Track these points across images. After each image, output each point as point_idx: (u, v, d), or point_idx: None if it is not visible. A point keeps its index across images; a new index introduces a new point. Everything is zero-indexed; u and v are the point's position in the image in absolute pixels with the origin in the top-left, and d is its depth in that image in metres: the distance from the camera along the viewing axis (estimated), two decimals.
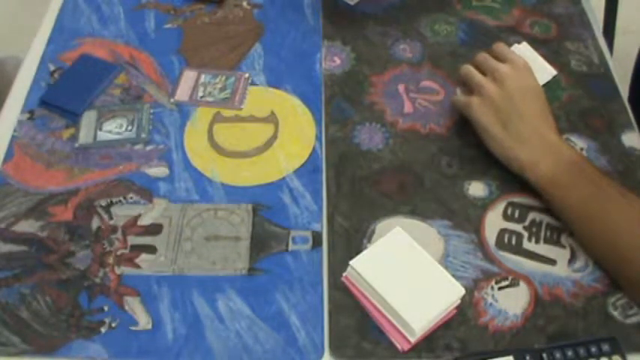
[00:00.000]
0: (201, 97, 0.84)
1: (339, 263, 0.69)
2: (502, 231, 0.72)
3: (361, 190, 0.75)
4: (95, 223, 0.72)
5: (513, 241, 0.72)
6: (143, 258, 0.70)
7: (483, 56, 0.79)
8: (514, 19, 0.95)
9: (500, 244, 0.71)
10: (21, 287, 0.67)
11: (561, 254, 0.71)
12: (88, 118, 0.82)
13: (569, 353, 0.61)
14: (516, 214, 0.74)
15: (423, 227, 0.72)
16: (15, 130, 0.81)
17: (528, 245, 0.71)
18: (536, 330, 0.65)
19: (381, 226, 0.72)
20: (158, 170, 0.77)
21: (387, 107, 0.84)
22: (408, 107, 0.84)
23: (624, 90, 0.88)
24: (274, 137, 0.80)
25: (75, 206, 0.74)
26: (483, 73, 0.77)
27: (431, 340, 0.64)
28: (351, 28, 0.93)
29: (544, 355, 0.61)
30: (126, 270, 0.69)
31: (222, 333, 0.65)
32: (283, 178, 0.76)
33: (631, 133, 0.81)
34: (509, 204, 0.74)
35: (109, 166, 0.77)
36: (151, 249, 0.70)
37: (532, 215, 0.73)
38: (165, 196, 0.75)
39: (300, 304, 0.67)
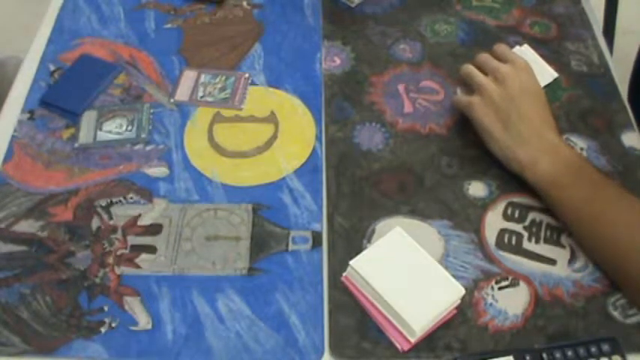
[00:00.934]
0: (201, 97, 0.84)
1: (339, 263, 0.69)
2: (502, 231, 0.72)
3: (361, 190, 0.75)
4: (95, 223, 0.72)
5: (513, 241, 0.72)
6: (143, 258, 0.70)
7: (485, 56, 0.79)
8: (514, 19, 0.95)
9: (500, 244, 0.71)
10: (21, 287, 0.67)
11: (561, 254, 0.71)
12: (88, 118, 0.82)
13: (569, 353, 0.61)
14: (516, 214, 0.74)
15: (423, 227, 0.72)
16: (15, 130, 0.81)
17: (528, 245, 0.71)
18: (536, 330, 0.65)
19: (381, 226, 0.72)
20: (158, 170, 0.77)
21: (387, 107, 0.84)
22: (408, 107, 0.84)
23: (624, 90, 0.88)
24: (274, 137, 0.80)
25: (75, 206, 0.74)
26: (485, 73, 0.77)
27: (431, 340, 0.64)
28: (351, 28, 0.93)
29: (544, 355, 0.61)
30: (126, 270, 0.69)
31: (222, 333, 0.65)
32: (283, 178, 0.76)
33: (631, 133, 0.81)
34: (509, 204, 0.74)
35: (109, 166, 0.77)
36: (151, 249, 0.70)
37: (532, 215, 0.73)
38: (165, 196, 0.75)
39: (300, 304, 0.67)
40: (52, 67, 0.87)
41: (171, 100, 0.84)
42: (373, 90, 0.85)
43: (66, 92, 0.83)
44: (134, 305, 0.66)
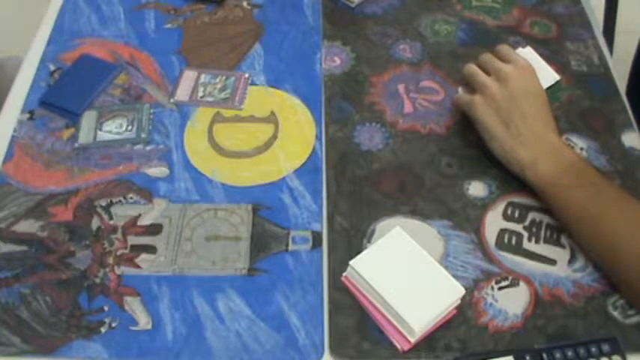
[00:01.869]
0: (201, 97, 0.84)
1: (339, 263, 0.69)
2: (502, 231, 0.72)
3: (361, 190, 0.75)
4: (95, 223, 0.72)
5: (513, 241, 0.72)
6: (143, 258, 0.70)
7: (487, 56, 0.79)
8: (514, 19, 0.95)
9: (500, 244, 0.71)
10: (21, 287, 0.67)
11: (561, 254, 0.71)
12: (88, 118, 0.82)
13: (569, 353, 0.61)
14: (516, 214, 0.74)
15: (423, 227, 0.72)
16: (15, 130, 0.81)
17: (528, 245, 0.71)
18: (536, 330, 0.65)
19: (381, 226, 0.72)
20: (158, 170, 0.77)
21: (387, 107, 0.84)
22: (408, 107, 0.84)
23: (624, 90, 0.88)
24: (274, 137, 0.80)
25: (75, 206, 0.74)
26: (487, 72, 0.77)
27: (431, 340, 0.64)
28: (351, 28, 0.93)
29: (544, 355, 0.61)
30: (126, 270, 0.69)
31: (222, 333, 0.65)
32: (283, 178, 0.76)
33: (631, 133, 0.81)
34: (509, 204, 0.74)
35: (109, 166, 0.77)
36: (151, 249, 0.70)
37: (532, 215, 0.73)
38: (165, 196, 0.75)
39: (300, 304, 0.67)
40: (52, 67, 0.87)
41: (171, 100, 0.84)
42: (373, 90, 0.85)
43: (66, 92, 0.83)
44: (134, 305, 0.66)
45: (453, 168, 0.78)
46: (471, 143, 0.79)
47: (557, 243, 0.71)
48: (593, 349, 0.61)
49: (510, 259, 0.70)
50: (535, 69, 0.77)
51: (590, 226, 0.68)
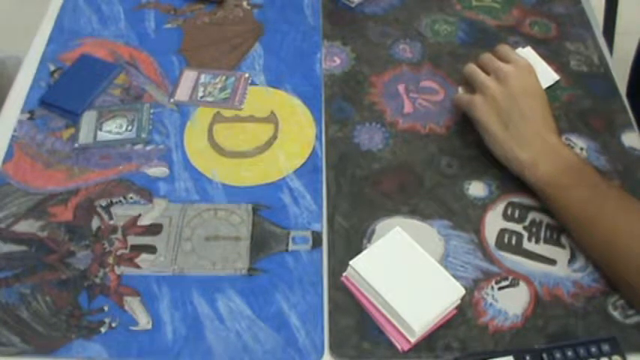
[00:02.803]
0: (201, 97, 0.84)
1: (339, 263, 0.69)
2: (502, 231, 0.72)
3: (361, 190, 0.75)
4: (95, 223, 0.72)
5: (513, 241, 0.72)
6: (143, 258, 0.70)
7: (487, 56, 0.79)
8: (514, 19, 0.95)
9: (500, 244, 0.71)
10: (21, 287, 0.67)
11: (561, 254, 0.71)
12: (88, 118, 0.82)
13: (569, 353, 0.61)
14: (516, 214, 0.74)
15: (423, 227, 0.72)
16: (15, 130, 0.81)
17: (528, 245, 0.71)
18: (536, 330, 0.65)
19: (381, 226, 0.72)
20: (158, 170, 0.77)
21: (387, 107, 0.84)
22: (408, 107, 0.84)
23: (624, 90, 0.88)
24: (274, 137, 0.80)
25: (75, 206, 0.74)
26: (487, 72, 0.77)
27: (431, 340, 0.64)
28: (351, 28, 0.93)
29: (544, 355, 0.61)
30: (126, 270, 0.69)
31: (222, 333, 0.65)
32: (283, 178, 0.76)
33: (631, 133, 0.81)
34: (509, 204, 0.74)
35: (109, 166, 0.77)
36: (151, 249, 0.70)
37: (532, 215, 0.73)
38: (165, 196, 0.75)
39: (300, 304, 0.67)
40: (52, 67, 0.87)
41: (171, 100, 0.84)
42: (373, 90, 0.85)
43: (66, 92, 0.83)
44: (134, 305, 0.66)
45: (453, 168, 0.78)
46: (470, 143, 0.79)
47: (557, 243, 0.71)
48: (593, 349, 0.61)
49: (510, 259, 0.70)
50: (535, 69, 0.77)
51: (589, 226, 0.68)
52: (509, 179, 0.75)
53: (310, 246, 0.71)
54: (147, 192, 0.75)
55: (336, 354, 0.63)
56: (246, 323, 0.65)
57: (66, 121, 0.82)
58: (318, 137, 0.80)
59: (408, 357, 0.63)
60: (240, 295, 0.67)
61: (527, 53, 0.84)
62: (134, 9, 0.95)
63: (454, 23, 0.94)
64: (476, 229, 0.72)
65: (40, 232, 0.71)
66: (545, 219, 0.73)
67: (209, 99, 0.84)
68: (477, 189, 0.76)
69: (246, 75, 0.87)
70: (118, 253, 0.70)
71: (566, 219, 0.70)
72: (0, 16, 2.02)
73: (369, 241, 0.71)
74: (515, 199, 0.75)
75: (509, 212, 0.74)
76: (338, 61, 0.89)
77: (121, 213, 0.73)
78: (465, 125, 0.79)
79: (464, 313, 0.66)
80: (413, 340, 0.63)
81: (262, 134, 0.81)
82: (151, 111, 0.83)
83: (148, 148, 0.79)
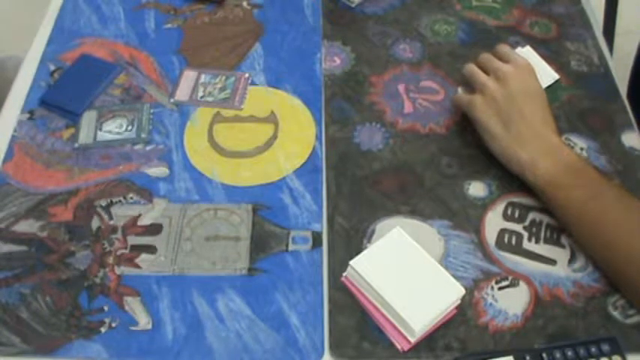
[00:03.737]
0: (201, 97, 0.84)
1: (339, 263, 0.69)
2: (502, 231, 0.72)
3: (361, 190, 0.75)
4: (95, 223, 0.72)
5: (513, 241, 0.72)
6: (143, 258, 0.70)
7: (487, 56, 0.79)
8: (514, 19, 0.95)
9: (500, 244, 0.71)
10: (21, 287, 0.67)
11: (561, 254, 0.71)
12: (88, 118, 0.82)
13: (569, 353, 0.61)
14: (516, 214, 0.74)
15: (423, 227, 0.72)
16: (15, 130, 0.81)
17: (528, 245, 0.71)
18: (536, 330, 0.65)
19: (381, 226, 0.72)
20: (158, 170, 0.77)
21: (387, 107, 0.84)
22: (408, 107, 0.84)
23: (624, 90, 0.88)
24: (274, 137, 0.80)
25: (75, 206, 0.74)
26: (486, 72, 0.77)
27: (431, 340, 0.64)
28: (351, 28, 0.93)
29: (544, 355, 0.61)
30: (126, 270, 0.69)
31: (222, 333, 0.65)
32: (283, 178, 0.76)
33: (631, 133, 0.81)
34: (509, 204, 0.74)
35: (109, 166, 0.77)
36: (151, 249, 0.70)
37: (532, 215, 0.73)
38: (165, 196, 0.75)
39: (300, 304, 0.67)
40: (52, 67, 0.87)
41: (171, 100, 0.84)
42: (373, 90, 0.85)
43: (66, 92, 0.83)
44: (134, 305, 0.66)
45: (453, 168, 0.78)
46: (470, 143, 0.79)
47: (557, 243, 0.71)
48: (593, 349, 0.61)
49: (510, 259, 0.70)
50: (534, 68, 0.77)
51: (589, 226, 0.68)
52: (509, 179, 0.75)
53: (310, 246, 0.71)
54: (147, 192, 0.75)
55: (336, 354, 0.64)
56: (246, 323, 0.65)
57: (66, 121, 0.82)
58: (318, 137, 0.80)
59: (408, 357, 0.63)
60: (240, 295, 0.67)
61: (527, 53, 0.84)
62: (134, 9, 0.95)
63: (454, 23, 0.94)
64: (476, 229, 0.72)
65: (40, 232, 0.71)
66: (545, 219, 0.73)
67: (209, 99, 0.84)
68: (476, 189, 0.76)
69: (246, 75, 0.87)
70: (118, 253, 0.70)
71: (566, 219, 0.70)
72: (0, 16, 2.01)
73: (369, 241, 0.71)
74: (515, 199, 0.75)
75: (509, 212, 0.74)
76: (338, 61, 0.89)
77: (121, 213, 0.73)
78: (465, 125, 0.80)
79: (464, 313, 0.66)
80: (413, 340, 0.63)
81: (262, 134, 0.81)
82: (151, 111, 0.83)
83: (148, 148, 0.79)
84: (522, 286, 0.68)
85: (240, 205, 0.74)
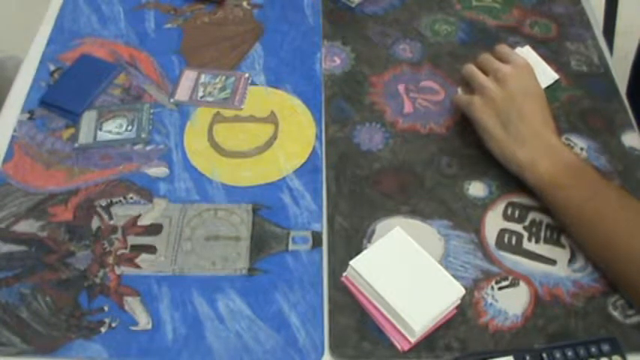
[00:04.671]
0: (201, 97, 0.84)
1: (339, 263, 0.69)
2: (502, 231, 0.72)
3: (361, 190, 0.75)
4: (95, 223, 0.72)
5: (513, 241, 0.72)
6: (143, 258, 0.70)
7: (486, 57, 0.79)
8: (514, 19, 0.95)
9: (500, 244, 0.71)
10: (21, 287, 0.67)
11: (561, 254, 0.71)
12: (88, 118, 0.82)
13: (569, 353, 0.61)
14: (516, 214, 0.74)
15: (423, 227, 0.72)
16: (15, 130, 0.81)
17: (528, 245, 0.71)
18: (536, 330, 0.65)
19: (381, 226, 0.72)
20: (158, 170, 0.77)
21: (387, 107, 0.84)
22: (408, 107, 0.84)
23: (624, 90, 0.88)
24: (274, 137, 0.80)
25: (75, 206, 0.74)
26: (486, 73, 0.77)
27: (431, 340, 0.64)
28: (351, 28, 0.93)
29: (544, 355, 0.61)
30: (126, 270, 0.69)
31: (222, 333, 0.65)
32: (283, 178, 0.76)
33: (631, 133, 0.81)
34: (509, 204, 0.74)
35: (109, 166, 0.77)
36: (151, 249, 0.70)
37: (532, 215, 0.73)
38: (165, 196, 0.75)
39: (300, 304, 0.67)
40: (52, 67, 0.87)
41: (171, 100, 0.84)
42: (373, 90, 0.85)
43: (66, 92, 0.83)
44: (134, 305, 0.66)
45: (453, 168, 0.78)
46: (471, 143, 0.79)
47: (557, 243, 0.71)
48: (593, 349, 0.61)
49: (510, 259, 0.70)
50: (534, 68, 0.77)
51: (589, 227, 0.68)
52: (509, 179, 0.75)
53: (310, 246, 0.71)
54: (147, 192, 0.75)
55: (336, 354, 0.64)
56: (246, 323, 0.65)
57: (66, 121, 0.82)
58: (318, 137, 0.80)
59: (408, 357, 0.63)
60: (240, 295, 0.67)
61: (526, 52, 0.84)
62: (134, 9, 0.95)
63: (454, 23, 0.94)
64: (476, 229, 0.72)
65: (40, 232, 0.71)
66: (545, 219, 0.73)
67: (209, 99, 0.84)
68: (476, 189, 0.76)
69: (246, 75, 0.87)
70: (118, 253, 0.70)
71: (565, 219, 0.70)
72: (0, 16, 2.01)
73: (369, 241, 0.71)
74: (515, 199, 0.75)
75: (509, 212, 0.74)
76: (338, 61, 0.89)
77: (121, 213, 0.73)
78: (465, 125, 0.79)
79: (464, 313, 0.66)
80: (413, 340, 0.63)
81: (262, 134, 0.81)
82: (151, 111, 0.83)
83: (148, 148, 0.79)
84: (522, 286, 0.68)
85: (240, 205, 0.74)
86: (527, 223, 0.73)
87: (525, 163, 0.71)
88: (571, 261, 0.70)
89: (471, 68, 0.78)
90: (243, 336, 0.65)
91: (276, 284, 0.68)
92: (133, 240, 0.71)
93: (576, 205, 0.68)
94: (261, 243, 0.71)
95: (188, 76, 0.87)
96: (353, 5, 0.96)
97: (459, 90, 0.81)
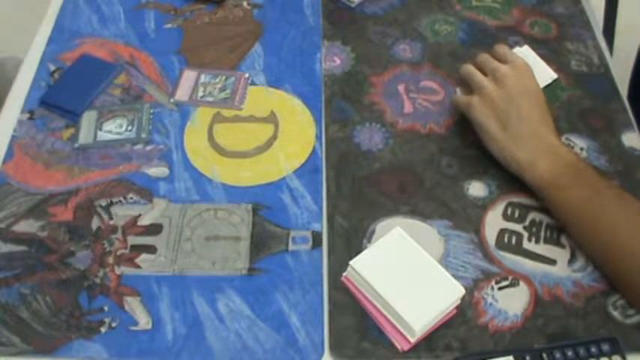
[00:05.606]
0: (201, 97, 0.84)
1: (339, 263, 0.69)
2: (502, 231, 0.72)
3: (361, 190, 0.75)
4: (95, 223, 0.72)
5: (513, 241, 0.72)
6: (143, 258, 0.70)
7: (485, 57, 0.79)
8: (514, 19, 0.95)
9: (500, 244, 0.71)
10: (21, 287, 0.67)
11: (561, 254, 0.71)
12: (88, 118, 0.82)
13: (569, 353, 0.61)
14: (516, 214, 0.74)
15: (423, 227, 0.72)
16: (15, 130, 0.81)
17: (528, 245, 0.71)
18: (536, 330, 0.65)
19: (381, 226, 0.72)
20: (158, 170, 0.77)
21: (387, 107, 0.84)
22: (408, 107, 0.84)
23: (624, 90, 0.88)
24: (274, 137, 0.80)
25: (75, 206, 0.74)
26: (484, 73, 0.77)
27: (431, 340, 0.64)
28: (351, 28, 0.93)
29: (544, 355, 0.61)
30: (126, 270, 0.69)
31: (222, 333, 0.65)
32: (283, 178, 0.76)
33: (631, 133, 0.81)
34: (509, 204, 0.74)
35: (109, 166, 0.77)
36: (151, 249, 0.70)
37: (532, 215, 0.73)
38: (165, 196, 0.75)
39: (300, 304, 0.67)
40: (52, 67, 0.87)
41: (171, 100, 0.84)
42: (373, 90, 0.85)
43: (66, 92, 0.83)
44: (134, 305, 0.66)
45: (453, 168, 0.78)
46: (470, 143, 0.79)
47: (557, 243, 0.71)
48: (593, 349, 0.61)
49: (510, 259, 0.70)
50: (533, 68, 0.77)
51: (589, 227, 0.68)
52: (509, 179, 0.75)
53: (310, 246, 0.71)
54: (147, 192, 0.75)
55: (336, 354, 0.64)
56: (246, 323, 0.65)
57: (66, 121, 0.82)
58: (318, 137, 0.80)
59: (408, 357, 0.63)
60: (240, 295, 0.67)
61: (525, 52, 0.84)
62: (134, 9, 0.95)
63: (454, 23, 0.94)
64: (476, 229, 0.72)
65: (40, 232, 0.71)
66: (545, 219, 0.73)
67: (209, 99, 0.84)
68: (476, 189, 0.76)
69: (246, 75, 0.87)
70: (118, 253, 0.70)
71: (565, 219, 0.70)
72: (0, 16, 2.01)
73: (369, 241, 0.71)
74: (515, 199, 0.75)
75: (509, 212, 0.74)
76: (338, 61, 0.89)
77: (121, 213, 0.73)
78: (465, 125, 0.79)
79: (464, 313, 0.66)
80: (413, 340, 0.63)
81: (262, 134, 0.81)
82: (151, 111, 0.83)
83: (148, 148, 0.79)
84: (522, 286, 0.68)
85: (240, 205, 0.74)
86: (527, 223, 0.73)
87: (525, 163, 0.71)
88: (571, 261, 0.70)
89: (469, 68, 0.78)
90: (243, 336, 0.65)
91: (276, 284, 0.68)
92: (133, 240, 0.71)
93: (576, 205, 0.68)
94: (261, 243, 0.71)
95: (188, 76, 0.87)
96: (353, 5, 0.96)
97: (458, 90, 0.81)
